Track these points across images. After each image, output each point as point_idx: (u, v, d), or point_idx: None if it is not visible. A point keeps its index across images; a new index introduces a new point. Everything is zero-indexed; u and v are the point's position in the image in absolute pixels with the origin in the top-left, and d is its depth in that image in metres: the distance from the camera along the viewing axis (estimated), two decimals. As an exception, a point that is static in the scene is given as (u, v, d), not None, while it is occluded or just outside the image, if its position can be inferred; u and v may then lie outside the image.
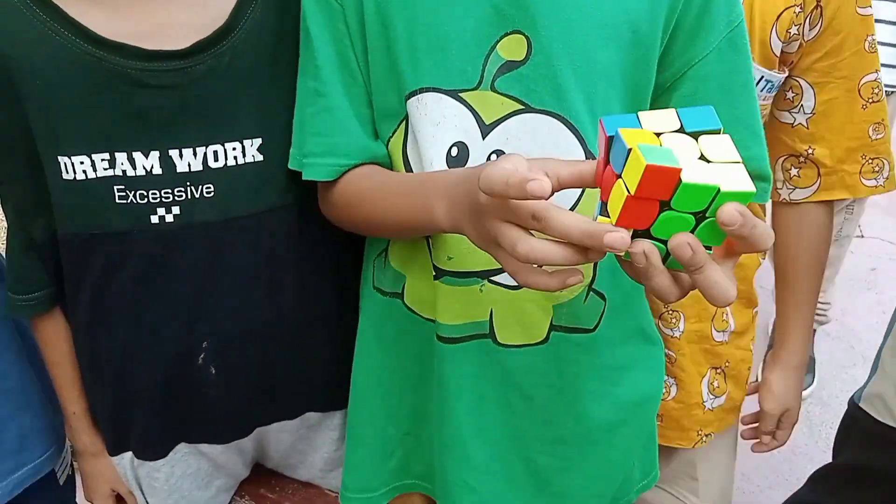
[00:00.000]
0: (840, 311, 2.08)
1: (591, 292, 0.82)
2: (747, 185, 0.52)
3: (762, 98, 1.02)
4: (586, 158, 0.76)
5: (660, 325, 1.09)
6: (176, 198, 0.83)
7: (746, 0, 0.96)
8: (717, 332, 1.13)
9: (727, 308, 1.12)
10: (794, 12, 0.97)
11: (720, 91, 0.78)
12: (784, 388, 1.16)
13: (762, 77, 1.00)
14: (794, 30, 0.98)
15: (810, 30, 1.00)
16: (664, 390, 1.12)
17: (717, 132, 0.55)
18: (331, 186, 0.83)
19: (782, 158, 1.09)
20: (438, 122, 0.76)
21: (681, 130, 0.55)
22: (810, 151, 1.07)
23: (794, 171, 1.09)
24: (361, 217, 0.82)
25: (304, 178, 0.83)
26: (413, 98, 0.77)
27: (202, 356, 0.91)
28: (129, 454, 0.97)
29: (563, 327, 0.83)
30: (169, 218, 0.84)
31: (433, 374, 0.86)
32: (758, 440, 1.23)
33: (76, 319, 0.93)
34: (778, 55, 1.00)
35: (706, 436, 1.18)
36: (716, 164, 0.53)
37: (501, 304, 0.81)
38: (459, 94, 0.76)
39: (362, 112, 0.82)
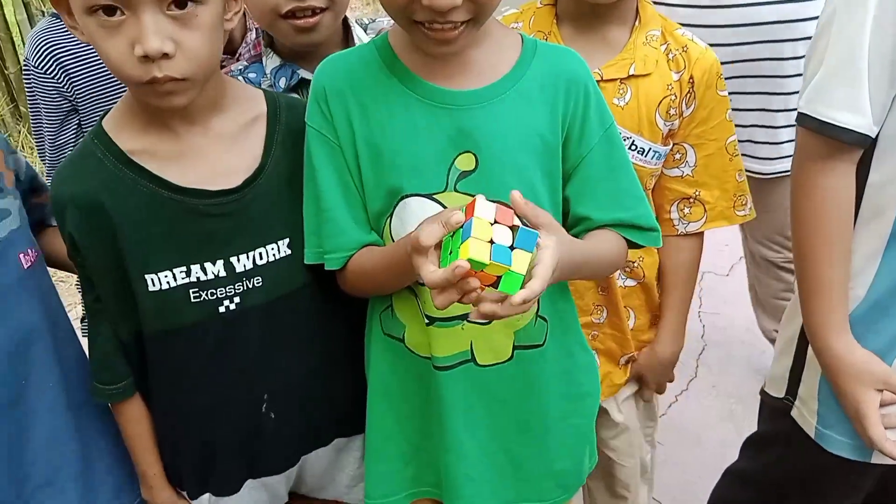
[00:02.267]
0: (751, 322, 2.48)
1: (538, 318, 1.17)
2: (521, 269, 0.89)
3: (653, 164, 1.36)
4: None
5: (591, 319, 1.43)
6: (236, 291, 1.14)
7: (633, 95, 1.31)
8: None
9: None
10: (671, 99, 1.33)
11: (606, 172, 1.15)
12: (650, 360, 1.52)
13: (651, 148, 1.33)
14: (672, 111, 1.33)
15: (687, 108, 1.35)
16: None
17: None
18: (343, 271, 1.16)
19: (677, 202, 1.44)
20: (420, 217, 1.09)
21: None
22: (698, 193, 1.42)
23: (686, 210, 1.44)
24: (370, 284, 1.15)
25: (326, 268, 1.14)
26: (402, 202, 1.10)
27: (264, 406, 1.20)
28: (206, 495, 1.24)
29: (522, 346, 1.17)
30: (232, 307, 1.14)
31: (432, 397, 1.18)
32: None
33: (161, 397, 1.19)
34: (665, 132, 1.34)
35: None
36: (515, 251, 0.90)
37: (478, 337, 1.14)
38: (434, 196, 1.10)
39: (359, 216, 1.14)
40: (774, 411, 1.38)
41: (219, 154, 1.13)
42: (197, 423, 1.20)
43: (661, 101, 1.33)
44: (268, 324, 1.17)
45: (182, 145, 1.11)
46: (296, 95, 1.36)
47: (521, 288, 0.90)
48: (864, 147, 1.11)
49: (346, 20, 1.47)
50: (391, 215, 1.12)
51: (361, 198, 1.15)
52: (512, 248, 0.90)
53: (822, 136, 1.11)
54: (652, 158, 1.35)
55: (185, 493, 1.27)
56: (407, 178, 1.10)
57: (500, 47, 1.12)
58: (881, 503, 1.52)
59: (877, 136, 1.10)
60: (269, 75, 1.39)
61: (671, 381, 1.61)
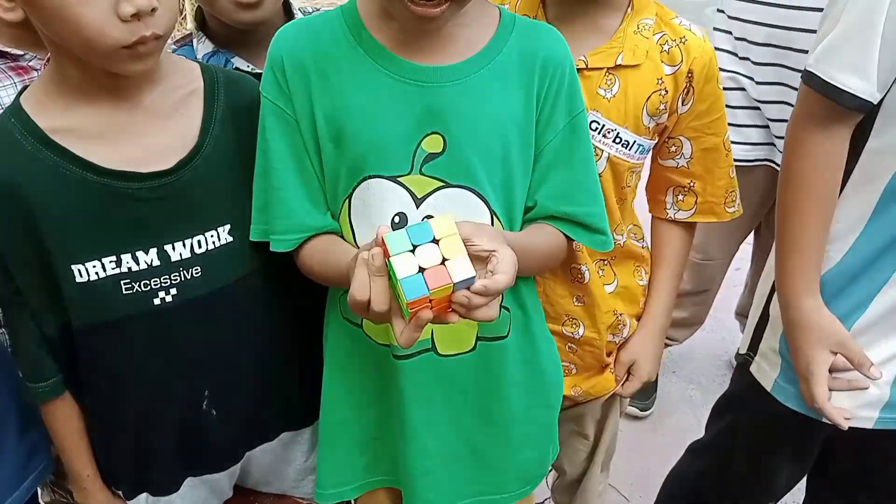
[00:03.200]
0: (713, 309, 2.47)
1: (502, 308, 1.11)
2: (469, 272, 0.84)
3: (636, 158, 1.27)
4: (490, 216, 1.05)
5: (563, 329, 1.37)
6: (172, 282, 1.05)
7: (621, 88, 1.22)
8: (612, 336, 1.41)
9: (626, 318, 1.41)
10: (661, 94, 1.24)
11: (565, 162, 1.09)
12: (639, 344, 1.45)
13: (635, 141, 1.25)
14: (662, 106, 1.24)
15: (683, 105, 1.27)
16: (569, 371, 1.41)
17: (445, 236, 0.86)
18: (297, 254, 1.09)
19: (671, 189, 1.38)
20: (383, 199, 1.03)
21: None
22: (692, 184, 1.36)
23: (679, 197, 1.38)
24: (322, 278, 1.09)
25: (271, 249, 1.07)
26: (364, 183, 1.03)
27: (205, 402, 1.13)
28: (143, 495, 1.17)
29: (485, 337, 1.12)
30: (168, 299, 1.06)
31: (391, 386, 1.13)
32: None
33: (93, 394, 1.11)
34: (650, 127, 1.26)
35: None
36: (448, 263, 0.85)
37: (440, 326, 1.07)
38: (397, 179, 1.03)
39: (314, 197, 1.07)
40: (736, 371, 1.44)
41: (150, 133, 1.04)
42: (133, 422, 1.12)
43: (649, 96, 1.25)
44: (208, 316, 1.10)
45: (109, 123, 1.01)
46: (238, 70, 1.27)
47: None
48: (864, 113, 1.10)
49: (287, 4, 1.39)
50: (350, 197, 1.05)
51: (318, 178, 1.08)
52: (444, 260, 0.86)
53: (825, 98, 1.09)
54: (636, 152, 1.28)
55: (120, 493, 1.19)
56: (369, 159, 1.03)
57: (477, 22, 1.05)
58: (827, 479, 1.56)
59: (881, 102, 1.09)
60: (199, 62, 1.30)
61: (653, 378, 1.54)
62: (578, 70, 1.18)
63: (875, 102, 1.08)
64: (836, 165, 1.14)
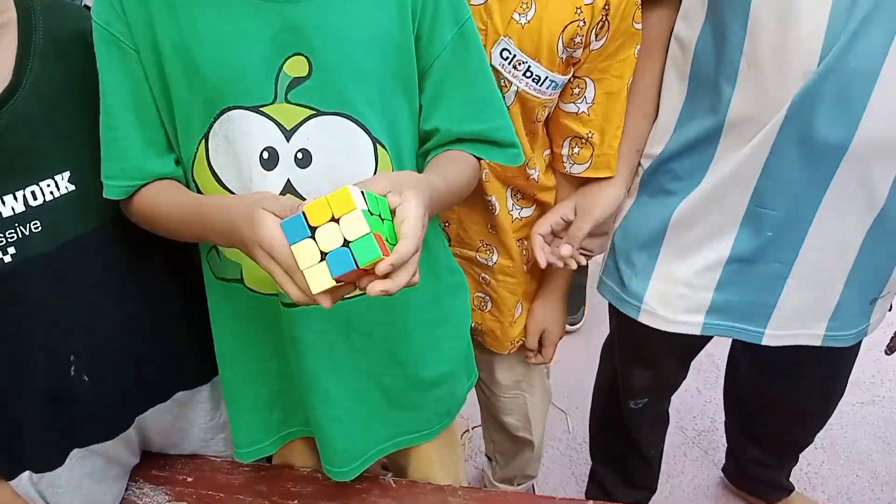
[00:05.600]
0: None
1: None
2: (376, 253, 0.76)
3: (548, 94, 1.16)
4: (373, 144, 0.93)
5: (477, 256, 1.29)
6: (9, 240, 0.92)
7: (536, 14, 1.09)
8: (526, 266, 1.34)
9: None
10: (578, 25, 1.10)
11: (459, 76, 0.97)
12: (542, 313, 1.39)
13: (547, 77, 1.13)
14: (578, 38, 1.11)
15: (597, 40, 1.13)
16: (483, 304, 1.34)
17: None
18: (128, 204, 0.96)
19: (569, 139, 1.25)
20: (247, 133, 0.90)
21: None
22: (591, 134, 1.23)
23: (576, 150, 1.25)
24: (163, 231, 0.97)
25: (104, 196, 0.95)
26: (222, 117, 0.90)
27: (73, 369, 1.01)
28: (26, 473, 1.06)
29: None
30: (7, 259, 0.93)
31: (286, 336, 1.02)
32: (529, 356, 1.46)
33: None
34: (564, 59, 1.14)
35: (515, 344, 1.42)
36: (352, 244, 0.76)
37: None
38: (260, 109, 0.90)
39: (155, 138, 0.95)
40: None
41: None
42: None
43: (566, 26, 1.11)
44: (59, 275, 0.97)
45: None
46: None
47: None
48: None
49: None
50: (207, 136, 0.92)
51: (160, 117, 0.94)
52: (346, 243, 0.76)
53: None
54: (548, 88, 1.15)
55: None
56: (225, 88, 0.90)
57: None
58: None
59: None
60: None
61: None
62: None
63: None
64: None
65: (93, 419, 1.07)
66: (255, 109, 0.90)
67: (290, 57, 0.89)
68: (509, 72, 1.12)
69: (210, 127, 0.91)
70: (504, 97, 1.12)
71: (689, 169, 1.18)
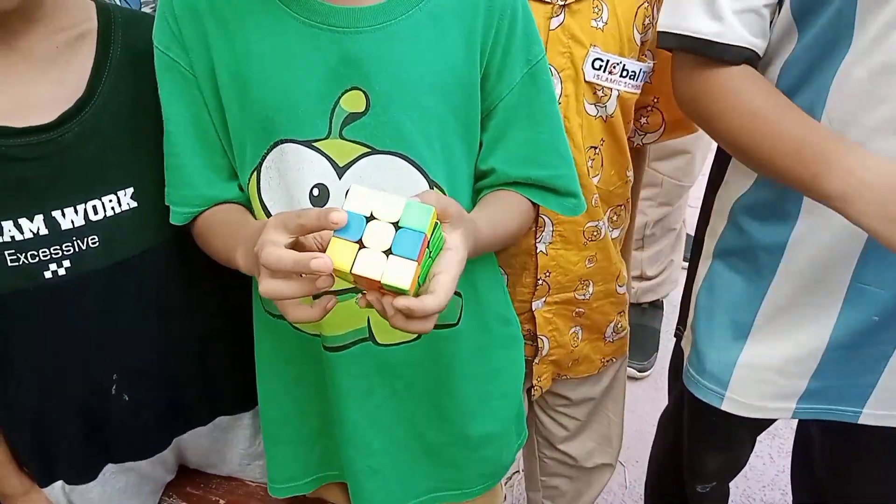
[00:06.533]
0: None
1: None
2: (404, 283, 0.68)
3: (639, 87, 1.14)
4: (429, 186, 0.87)
5: (574, 295, 1.24)
6: (65, 253, 0.91)
7: (611, 12, 1.08)
8: (619, 286, 1.29)
9: (623, 272, 1.29)
10: (646, 8, 1.10)
11: (526, 119, 0.91)
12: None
13: (640, 69, 1.12)
14: (647, 20, 1.11)
15: (658, 12, 1.10)
16: (576, 338, 1.29)
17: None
18: (192, 228, 0.94)
19: (635, 113, 1.20)
20: (299, 169, 0.86)
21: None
22: (656, 100, 1.20)
23: (644, 120, 1.23)
24: (213, 252, 0.93)
25: (171, 222, 0.93)
26: (275, 150, 0.86)
27: (114, 388, 1.00)
28: (59, 483, 1.05)
29: None
30: (61, 272, 0.91)
31: (327, 379, 0.97)
32: None
33: None
34: (640, 46, 1.12)
35: (607, 361, 1.37)
36: (392, 258, 0.68)
37: (376, 312, 0.93)
38: (313, 144, 0.85)
39: (217, 163, 0.92)
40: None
41: (29, 81, 0.87)
42: (30, 408, 0.99)
43: (637, 11, 1.10)
44: (110, 292, 0.95)
45: None
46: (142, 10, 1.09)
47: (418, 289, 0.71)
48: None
49: None
50: (260, 168, 0.88)
51: (221, 142, 0.91)
52: (390, 252, 0.68)
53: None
54: (641, 81, 1.14)
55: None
56: (279, 120, 0.85)
57: None
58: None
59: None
60: None
61: None
62: (566, 5, 1.02)
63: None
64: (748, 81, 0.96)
65: (130, 438, 1.05)
66: (309, 144, 0.85)
67: (347, 91, 0.84)
68: (606, 79, 1.10)
69: (262, 159, 0.88)
70: (606, 107, 1.10)
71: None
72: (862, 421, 1.12)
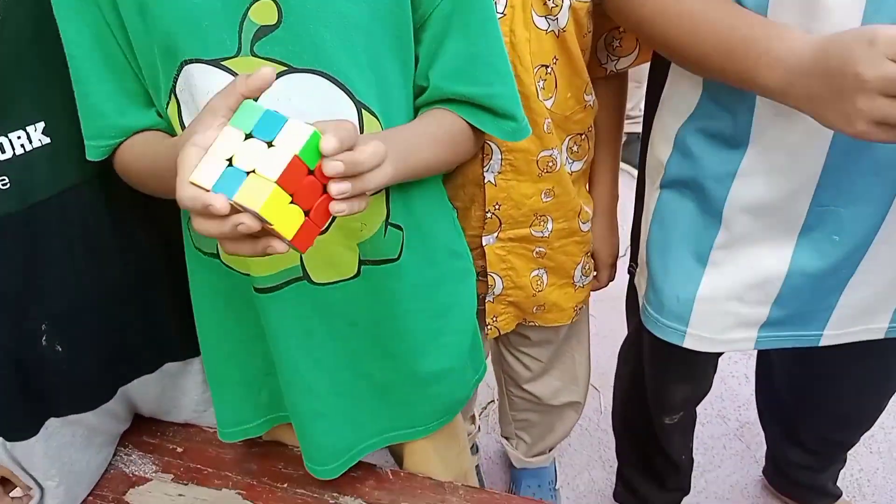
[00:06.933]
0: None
1: (389, 226, 0.89)
2: (254, 204, 0.61)
3: None
4: (357, 109, 0.80)
5: (531, 232, 1.17)
6: None
7: None
8: (583, 223, 1.23)
9: (584, 207, 1.22)
10: None
11: (461, 28, 0.83)
12: (593, 230, 1.27)
13: None
14: None
15: None
16: (540, 282, 1.24)
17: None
18: (113, 163, 0.87)
19: (604, 35, 1.13)
20: (208, 92, 0.77)
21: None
22: None
23: (616, 43, 1.13)
24: (143, 188, 0.87)
25: (87, 158, 0.86)
26: (184, 71, 0.79)
27: (44, 338, 0.95)
28: None
29: (370, 261, 0.90)
30: None
31: (262, 320, 0.93)
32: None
33: None
34: None
35: (579, 308, 1.32)
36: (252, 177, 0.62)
37: (310, 250, 0.87)
38: (222, 63, 0.78)
39: (129, 88, 0.84)
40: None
41: None
42: None
43: None
44: (29, 238, 0.90)
45: None
46: None
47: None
48: None
49: None
50: (174, 89, 0.81)
51: (129, 64, 0.83)
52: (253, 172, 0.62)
53: None
54: None
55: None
56: (181, 36, 0.77)
57: None
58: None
59: None
60: None
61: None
62: None
63: None
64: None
65: (69, 389, 1.01)
66: (217, 63, 0.77)
67: (255, 0, 0.76)
68: None
69: (175, 82, 0.80)
70: (558, 20, 1.00)
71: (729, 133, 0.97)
72: (823, 343, 1.09)
